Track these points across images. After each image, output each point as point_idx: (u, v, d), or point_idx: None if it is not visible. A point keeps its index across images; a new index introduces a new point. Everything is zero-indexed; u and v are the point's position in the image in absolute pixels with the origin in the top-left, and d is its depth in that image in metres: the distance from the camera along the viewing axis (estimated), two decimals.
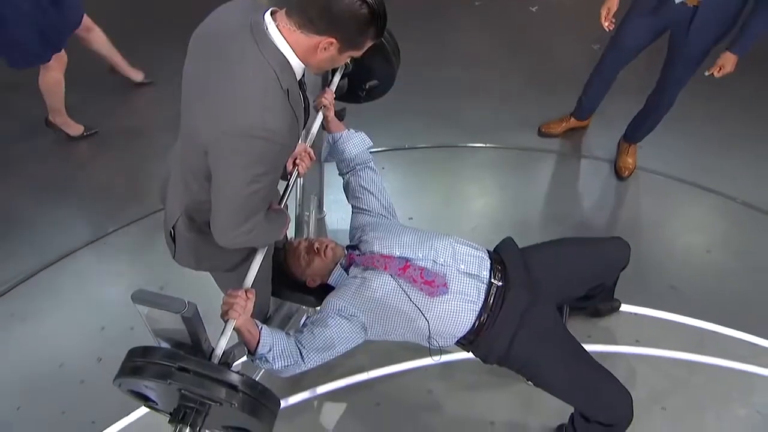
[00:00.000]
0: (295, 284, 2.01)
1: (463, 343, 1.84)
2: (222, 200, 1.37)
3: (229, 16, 1.33)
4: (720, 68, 2.53)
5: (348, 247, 1.99)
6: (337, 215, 2.78)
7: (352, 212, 2.09)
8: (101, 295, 2.61)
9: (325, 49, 1.28)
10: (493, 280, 1.81)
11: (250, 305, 1.49)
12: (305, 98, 1.45)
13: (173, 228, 1.61)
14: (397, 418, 2.27)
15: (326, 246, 1.92)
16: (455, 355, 2.39)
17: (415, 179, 3.18)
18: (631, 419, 1.82)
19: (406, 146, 3.29)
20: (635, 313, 2.57)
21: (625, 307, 2.56)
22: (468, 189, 3.20)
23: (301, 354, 1.67)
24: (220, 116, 1.26)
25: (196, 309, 1.40)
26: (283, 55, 1.28)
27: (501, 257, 1.90)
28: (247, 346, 1.59)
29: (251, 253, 1.67)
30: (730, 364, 2.42)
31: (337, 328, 1.72)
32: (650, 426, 2.24)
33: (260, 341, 1.58)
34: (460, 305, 1.76)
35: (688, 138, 3.34)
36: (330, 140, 2.07)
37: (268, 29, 1.27)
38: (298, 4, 1.25)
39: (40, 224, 2.86)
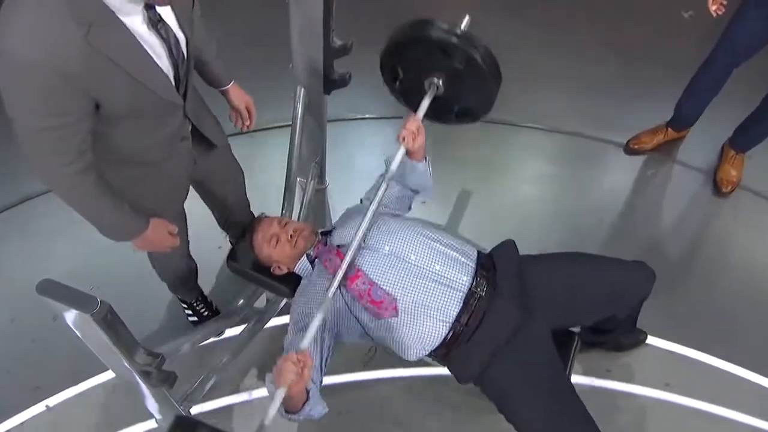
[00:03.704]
0: (264, 269, 1.94)
1: (436, 356, 1.74)
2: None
3: None
4: None
5: (323, 233, 1.91)
6: (341, 185, 2.59)
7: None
8: (65, 248, 2.55)
9: None
10: (474, 289, 1.67)
11: (307, 372, 1.37)
12: (164, 36, 1.33)
13: None
14: None
15: (299, 233, 1.84)
16: (440, 370, 2.25)
17: (440, 156, 2.93)
18: None
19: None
20: (671, 351, 2.36)
21: (658, 342, 2.36)
22: (506, 176, 2.97)
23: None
24: None
25: (110, 309, 1.31)
26: None
27: (493, 262, 1.77)
28: (288, 407, 1.48)
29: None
30: None
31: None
32: None
33: (309, 401, 1.49)
34: (424, 319, 1.65)
35: None
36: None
37: None
38: None
39: None
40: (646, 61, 3.29)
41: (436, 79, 1.81)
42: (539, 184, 2.93)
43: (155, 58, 1.33)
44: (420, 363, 2.28)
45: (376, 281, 1.64)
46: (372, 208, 1.63)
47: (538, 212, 2.79)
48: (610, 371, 2.27)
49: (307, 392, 1.49)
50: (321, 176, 2.65)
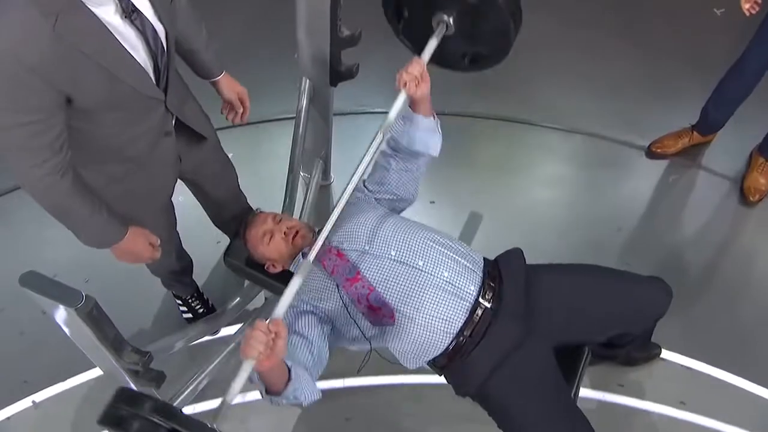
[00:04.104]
0: (261, 267, 1.89)
1: (435, 365, 1.70)
2: None
3: None
4: None
5: (320, 231, 1.81)
6: (346, 182, 2.54)
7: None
8: (59, 238, 2.45)
9: None
10: (480, 299, 1.62)
11: (281, 344, 1.24)
12: (140, 27, 1.30)
13: None
14: None
15: (296, 231, 1.78)
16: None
17: (452, 153, 2.85)
18: None
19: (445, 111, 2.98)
20: (688, 367, 2.29)
21: (674, 357, 2.29)
22: (519, 177, 2.89)
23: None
24: None
25: (95, 304, 1.32)
26: None
27: (499, 271, 1.70)
28: (268, 387, 1.38)
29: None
30: None
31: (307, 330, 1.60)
32: None
33: (291, 380, 1.38)
34: (428, 328, 1.58)
35: None
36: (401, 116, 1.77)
37: None
38: None
39: None
40: (672, 60, 3.19)
41: (445, 17, 1.65)
42: (555, 187, 2.86)
43: (131, 51, 1.30)
44: (423, 370, 2.26)
45: (376, 287, 1.59)
46: (366, 159, 1.53)
47: (553, 217, 2.73)
48: (622, 386, 2.21)
49: (289, 371, 1.38)
50: (326, 172, 2.63)
